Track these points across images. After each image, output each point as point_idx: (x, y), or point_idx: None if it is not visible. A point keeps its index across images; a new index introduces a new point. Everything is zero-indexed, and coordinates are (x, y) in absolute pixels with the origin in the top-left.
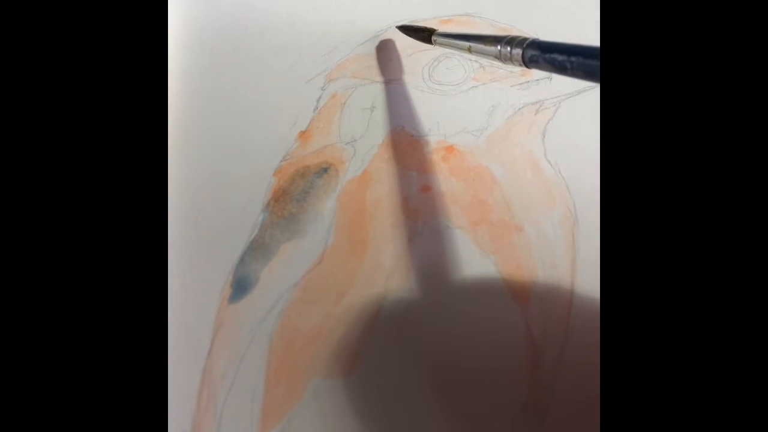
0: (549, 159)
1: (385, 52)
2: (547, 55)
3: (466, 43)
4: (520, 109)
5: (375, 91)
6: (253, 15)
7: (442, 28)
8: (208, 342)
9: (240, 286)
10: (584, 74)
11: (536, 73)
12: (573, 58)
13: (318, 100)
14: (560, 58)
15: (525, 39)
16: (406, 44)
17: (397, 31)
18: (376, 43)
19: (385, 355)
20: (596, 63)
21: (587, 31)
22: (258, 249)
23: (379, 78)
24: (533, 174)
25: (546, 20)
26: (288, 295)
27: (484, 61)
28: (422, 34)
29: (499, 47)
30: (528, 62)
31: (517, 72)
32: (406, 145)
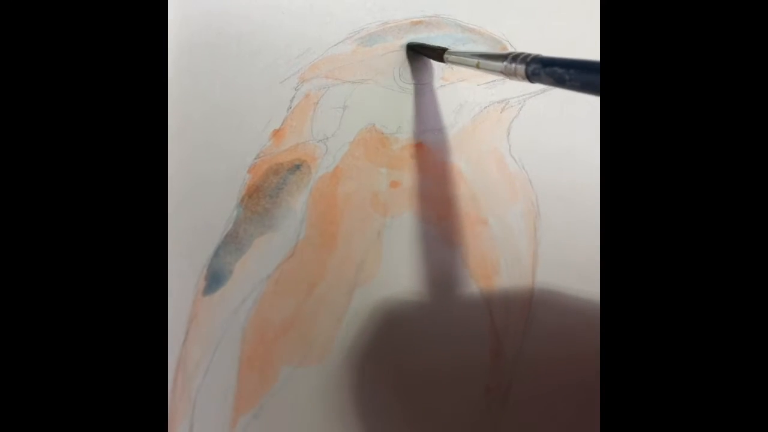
0: (513, 155)
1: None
2: (548, 69)
3: (475, 60)
4: (486, 107)
5: (347, 90)
6: (228, 18)
7: (412, 29)
8: (183, 333)
9: (214, 279)
10: (581, 86)
11: None
12: (571, 71)
13: (291, 100)
14: (559, 71)
15: (528, 55)
16: (379, 45)
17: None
18: (350, 44)
19: (354, 344)
20: (592, 76)
21: (552, 34)
22: (232, 243)
23: (350, 78)
24: (498, 169)
25: (513, 22)
26: (261, 287)
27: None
28: (434, 52)
29: (504, 63)
30: (531, 76)
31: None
32: (377, 142)
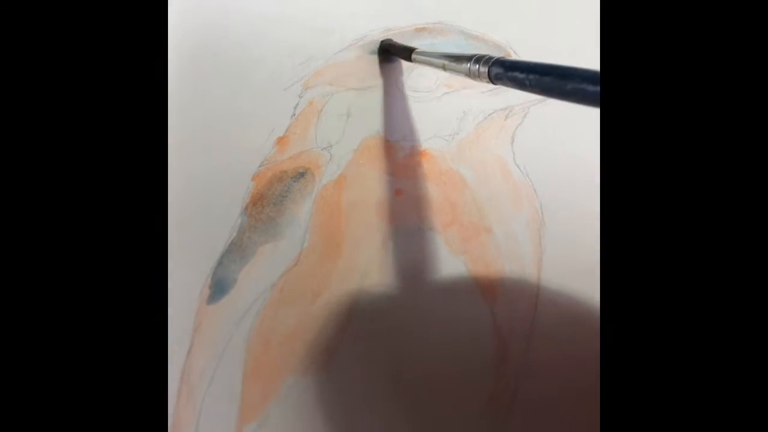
0: (517, 163)
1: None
2: (509, 73)
3: (441, 61)
4: (490, 114)
5: (351, 98)
6: (232, 25)
7: (416, 36)
8: (188, 342)
9: (218, 288)
10: (541, 90)
11: None
12: (531, 76)
13: (295, 107)
14: (520, 75)
15: (491, 57)
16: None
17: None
18: (353, 51)
19: (358, 353)
20: (550, 79)
21: (555, 40)
22: (236, 251)
23: (354, 85)
24: (502, 177)
25: (516, 29)
26: (265, 296)
27: None
28: (404, 52)
29: (468, 65)
30: (494, 79)
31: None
32: (381, 150)
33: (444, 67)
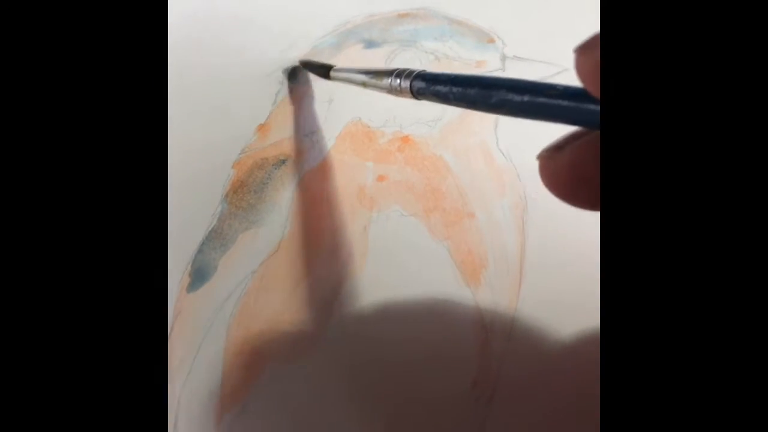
0: (501, 148)
1: None
2: (432, 87)
3: (361, 78)
4: None
5: (333, 84)
6: (214, 12)
7: (399, 22)
8: (167, 329)
9: (198, 275)
10: (467, 104)
11: (489, 65)
12: (455, 89)
13: (277, 94)
14: (443, 89)
15: (412, 71)
16: (362, 39)
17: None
18: (334, 38)
19: (340, 339)
20: (475, 92)
21: (541, 23)
22: (216, 239)
23: None
24: (485, 163)
25: (504, 14)
26: (246, 283)
27: (440, 53)
28: (321, 69)
29: (389, 81)
30: (417, 95)
31: (471, 64)
32: (363, 136)
33: (365, 84)
